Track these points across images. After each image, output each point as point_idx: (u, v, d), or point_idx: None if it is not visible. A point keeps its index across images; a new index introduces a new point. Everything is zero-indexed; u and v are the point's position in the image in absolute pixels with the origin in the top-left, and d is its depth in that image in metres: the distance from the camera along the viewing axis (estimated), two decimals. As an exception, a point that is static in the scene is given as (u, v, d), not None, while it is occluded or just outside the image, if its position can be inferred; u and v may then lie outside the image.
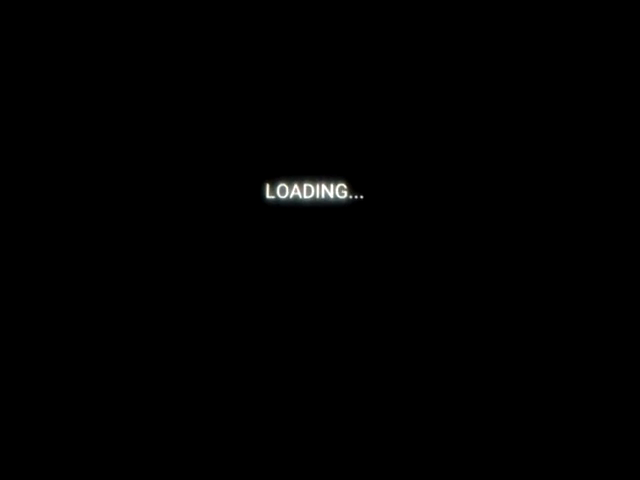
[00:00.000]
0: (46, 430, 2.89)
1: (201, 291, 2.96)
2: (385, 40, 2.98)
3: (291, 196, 2.98)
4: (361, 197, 2.97)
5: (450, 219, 2.95)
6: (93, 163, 2.99)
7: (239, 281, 2.96)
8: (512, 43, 2.95)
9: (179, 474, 2.86)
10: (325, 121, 2.99)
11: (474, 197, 2.94)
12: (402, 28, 2.98)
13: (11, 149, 2.98)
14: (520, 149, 2.94)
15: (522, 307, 2.90)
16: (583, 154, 2.92)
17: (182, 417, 2.91)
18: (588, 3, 2.92)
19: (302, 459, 2.87)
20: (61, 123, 2.99)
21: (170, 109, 2.99)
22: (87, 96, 3.00)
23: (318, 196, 2.98)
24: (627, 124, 2.91)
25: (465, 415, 2.88)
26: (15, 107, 2.99)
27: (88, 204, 2.98)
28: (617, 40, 2.92)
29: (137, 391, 2.92)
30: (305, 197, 2.98)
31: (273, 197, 2.98)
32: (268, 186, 2.99)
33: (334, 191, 2.98)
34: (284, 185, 2.99)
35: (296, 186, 2.98)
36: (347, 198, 2.98)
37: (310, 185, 2.98)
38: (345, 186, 2.98)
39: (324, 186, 2.98)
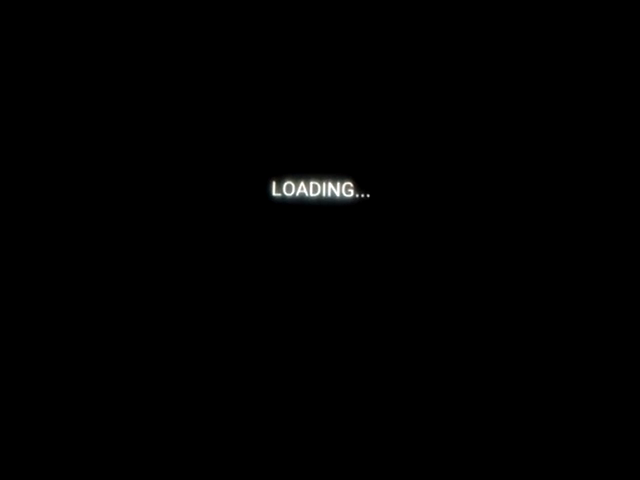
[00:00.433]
0: (46, 430, 2.88)
1: (208, 287, 2.95)
2: (394, 41, 3.00)
3: (297, 194, 2.99)
4: (367, 196, 2.98)
5: (456, 218, 2.95)
6: (100, 162, 3.00)
7: (245, 277, 2.96)
8: (524, 44, 2.97)
9: (179, 474, 2.84)
10: (332, 120, 3.01)
11: (480, 197, 2.95)
12: (412, 30, 3.00)
13: (13, 149, 2.99)
14: (530, 147, 2.95)
15: (527, 302, 2.91)
16: (596, 156, 2.94)
17: (186, 413, 2.90)
18: (588, 3, 2.95)
19: (302, 456, 2.86)
20: (71, 120, 3.01)
21: (178, 108, 3.01)
22: (96, 95, 3.02)
23: (324, 194, 2.99)
24: (627, 124, 2.93)
25: (465, 413, 2.87)
26: (16, 107, 3.00)
27: (93, 203, 2.99)
28: (617, 40, 2.95)
29: (140, 384, 2.92)
30: (311, 195, 2.99)
31: (279, 194, 2.99)
32: (274, 184, 3.00)
33: (340, 189, 2.99)
34: (290, 183, 3.00)
35: (302, 184, 2.99)
36: (353, 196, 2.98)
37: (316, 183, 2.99)
38: (351, 184, 2.99)
39: (330, 184, 2.99)
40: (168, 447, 2.87)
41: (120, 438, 2.87)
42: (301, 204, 2.99)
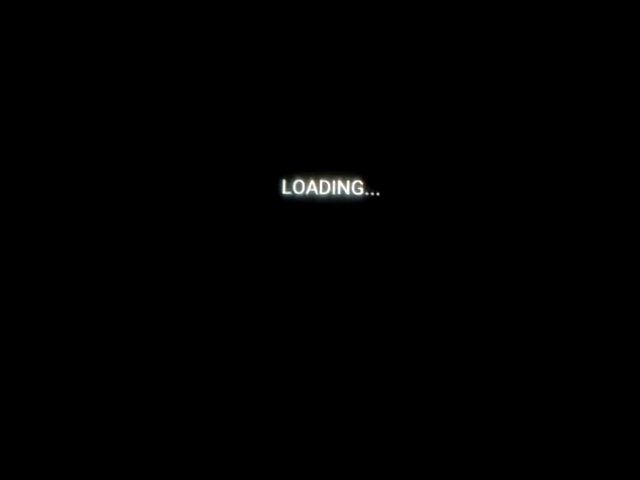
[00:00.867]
0: (46, 429, 2.89)
1: (218, 286, 2.96)
2: (404, 40, 2.99)
3: (307, 192, 2.99)
4: (377, 194, 2.98)
5: (465, 216, 2.95)
6: (108, 161, 2.99)
7: (255, 276, 2.97)
8: (532, 45, 2.96)
9: (179, 474, 2.86)
10: (342, 118, 3.00)
11: (491, 194, 2.95)
12: (425, 29, 2.99)
13: (12, 149, 2.98)
14: (540, 146, 2.95)
15: (535, 299, 2.92)
16: (603, 157, 2.94)
17: (190, 411, 2.91)
18: (588, 3, 2.94)
19: (302, 457, 2.87)
20: (83, 119, 3.00)
21: (188, 106, 3.00)
22: (109, 93, 3.01)
23: (334, 192, 2.98)
24: (627, 124, 2.93)
25: (467, 414, 2.89)
26: (16, 108, 2.99)
27: (102, 201, 2.98)
28: (617, 40, 2.94)
29: (149, 379, 2.93)
30: (321, 193, 2.99)
31: (289, 193, 2.99)
32: (284, 182, 2.99)
33: (350, 188, 2.98)
34: (300, 181, 2.99)
35: (312, 182, 2.99)
36: (363, 195, 2.98)
37: (326, 181, 2.99)
38: (361, 183, 2.98)
39: (340, 182, 2.98)
40: (168, 447, 2.88)
41: (120, 438, 2.88)
42: (311, 202, 2.99)
